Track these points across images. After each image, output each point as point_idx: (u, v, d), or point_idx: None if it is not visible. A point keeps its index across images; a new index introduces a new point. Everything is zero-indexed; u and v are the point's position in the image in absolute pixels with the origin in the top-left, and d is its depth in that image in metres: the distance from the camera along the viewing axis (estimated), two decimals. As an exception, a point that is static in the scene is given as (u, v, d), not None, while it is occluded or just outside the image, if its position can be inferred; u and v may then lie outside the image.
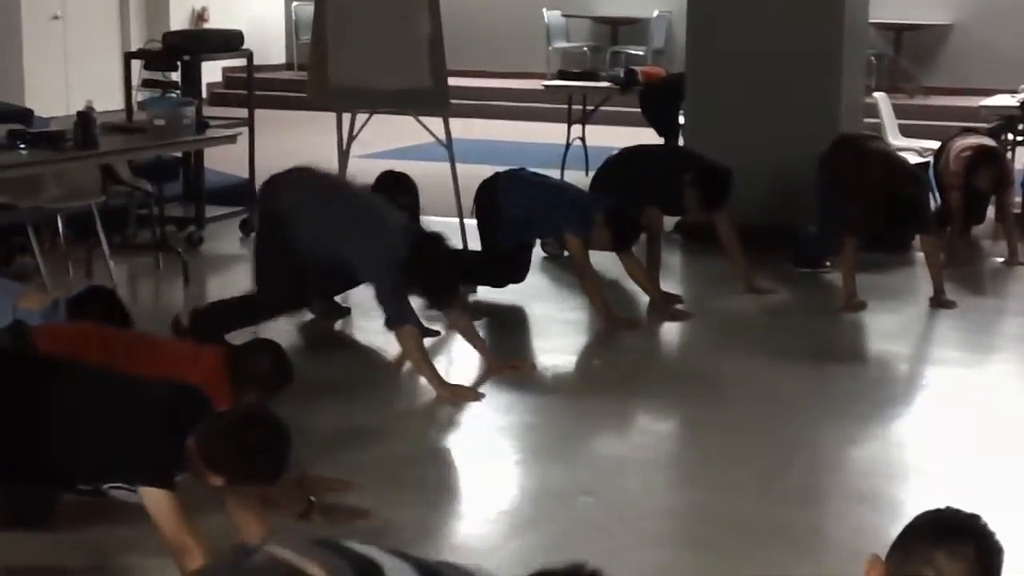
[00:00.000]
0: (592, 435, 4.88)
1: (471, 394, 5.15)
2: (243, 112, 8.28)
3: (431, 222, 6.14)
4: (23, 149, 6.31)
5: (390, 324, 5.14)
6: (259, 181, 8.31)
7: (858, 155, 6.82)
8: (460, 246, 6.68)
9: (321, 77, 8.34)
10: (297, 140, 11.36)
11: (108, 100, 8.53)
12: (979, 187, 7.53)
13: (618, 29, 14.69)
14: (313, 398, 4.84)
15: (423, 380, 5.22)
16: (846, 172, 6.70)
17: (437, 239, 5.21)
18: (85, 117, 6.41)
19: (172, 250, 7.18)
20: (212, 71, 12.51)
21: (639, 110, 9.80)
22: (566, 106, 10.37)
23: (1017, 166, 8.40)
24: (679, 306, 6.47)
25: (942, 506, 2.18)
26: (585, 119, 10.28)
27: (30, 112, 8.14)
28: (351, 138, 8.52)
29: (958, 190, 7.52)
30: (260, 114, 8.56)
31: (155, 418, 3.39)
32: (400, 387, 5.36)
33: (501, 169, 6.63)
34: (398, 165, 6.92)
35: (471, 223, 6.78)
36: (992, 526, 2.16)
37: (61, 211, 6.69)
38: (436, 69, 8.60)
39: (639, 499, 4.29)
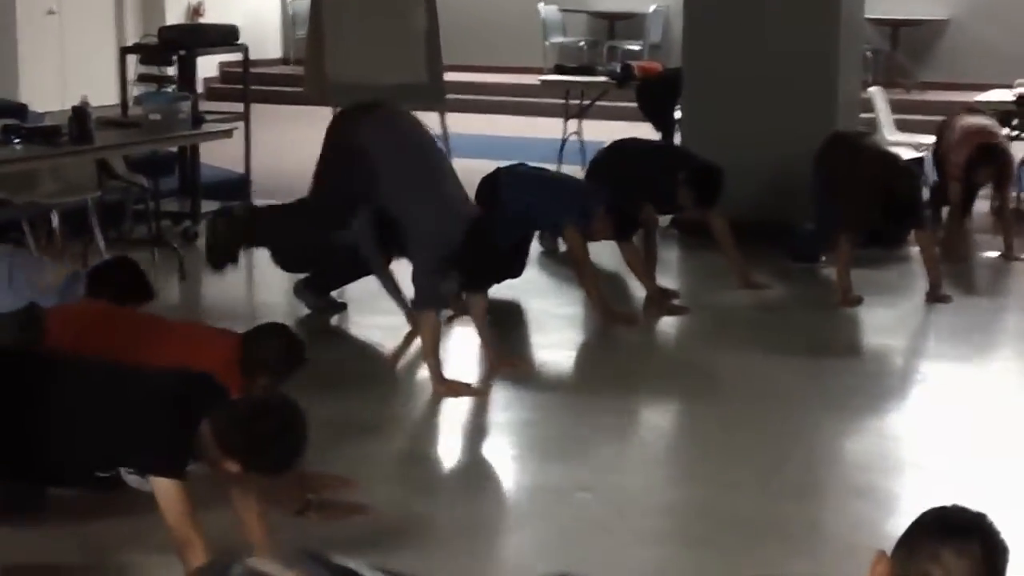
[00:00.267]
0: (590, 432, 4.88)
1: (467, 390, 5.15)
2: (239, 107, 8.26)
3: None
4: (18, 144, 6.30)
5: (416, 305, 5.16)
6: (255, 176, 8.36)
7: (853, 152, 6.82)
8: None
9: (317, 72, 8.35)
10: (293, 135, 11.34)
11: (104, 95, 8.51)
12: (978, 183, 7.52)
13: (615, 24, 14.67)
14: (309, 393, 4.81)
15: (420, 376, 5.21)
16: (841, 169, 6.70)
17: (488, 227, 5.23)
18: (80, 112, 6.40)
19: (168, 245, 7.17)
20: (208, 66, 12.49)
21: (636, 105, 9.80)
22: (563, 101, 10.37)
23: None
24: (675, 301, 6.47)
25: (946, 503, 2.17)
26: (582, 114, 10.28)
27: (25, 107, 8.13)
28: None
29: (958, 182, 7.47)
30: (256, 108, 8.54)
31: (164, 407, 3.37)
32: (397, 383, 5.35)
33: (502, 164, 6.61)
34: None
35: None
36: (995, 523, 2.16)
37: (56, 206, 6.67)
38: (432, 64, 8.61)
39: (637, 496, 4.29)
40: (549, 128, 10.72)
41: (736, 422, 4.92)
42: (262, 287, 6.94)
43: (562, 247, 7.30)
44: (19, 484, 3.77)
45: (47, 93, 10.59)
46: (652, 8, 14.23)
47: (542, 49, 14.32)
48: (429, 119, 8.32)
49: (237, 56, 8.82)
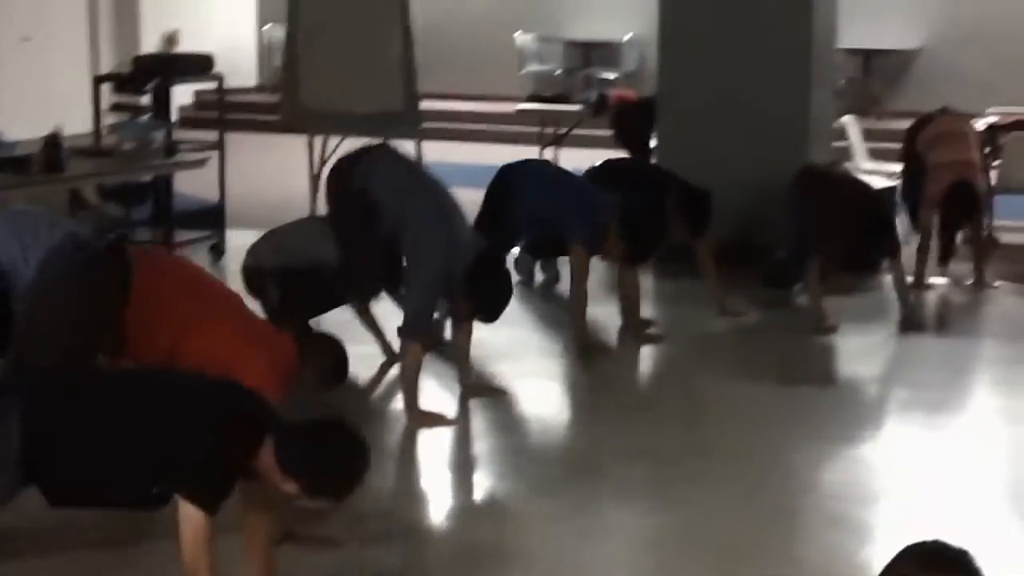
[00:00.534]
0: (565, 460, 4.87)
1: (442, 420, 5.13)
2: (215, 135, 8.25)
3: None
4: (-11, 173, 6.27)
5: (403, 332, 5.09)
6: (230, 204, 8.33)
7: (827, 181, 6.86)
8: None
9: (293, 100, 8.34)
10: (269, 163, 11.34)
11: (78, 123, 8.48)
12: (955, 225, 7.44)
13: (591, 52, 14.74)
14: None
15: (395, 406, 5.19)
16: (816, 197, 6.73)
17: (500, 256, 5.22)
18: (52, 141, 6.38)
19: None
20: (184, 93, 12.48)
21: (612, 133, 9.82)
22: (539, 129, 10.39)
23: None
24: (651, 330, 6.47)
25: (923, 536, 2.17)
26: (558, 142, 10.30)
27: (-3, 136, 8.09)
28: (323, 161, 8.51)
29: (933, 212, 7.47)
30: (232, 137, 8.53)
31: (223, 438, 3.32)
32: (374, 416, 5.32)
33: (477, 192, 6.59)
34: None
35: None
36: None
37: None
38: (408, 92, 8.61)
39: (614, 524, 4.28)
40: (525, 156, 10.69)
41: (711, 450, 4.92)
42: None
43: (539, 276, 7.31)
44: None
45: (21, 121, 10.55)
46: (627, 37, 14.30)
47: (518, 77, 14.36)
48: (405, 147, 8.34)
49: (213, 84, 8.82)
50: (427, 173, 5.58)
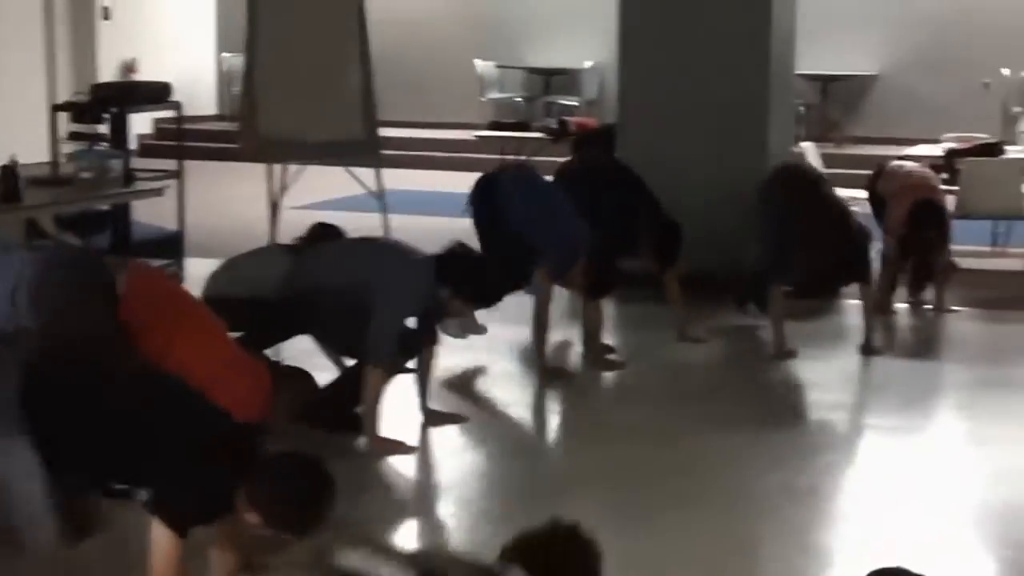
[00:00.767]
0: (527, 485, 4.84)
1: (401, 448, 5.10)
2: (174, 163, 8.19)
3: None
4: (-56, 203, 6.20)
5: (369, 358, 5.06)
6: (189, 233, 8.27)
7: (812, 191, 6.77)
8: None
9: (252, 128, 8.30)
10: (229, 191, 11.28)
11: (35, 152, 8.40)
12: (924, 246, 7.44)
13: (551, 80, 14.79)
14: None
15: (359, 441, 5.14)
16: (803, 205, 6.64)
17: (465, 249, 5.25)
18: (8, 170, 6.32)
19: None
20: (143, 122, 12.41)
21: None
22: (499, 156, 10.39)
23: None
24: (612, 356, 6.46)
25: (887, 563, 2.17)
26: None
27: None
28: (283, 189, 8.47)
29: (896, 237, 7.49)
30: (191, 165, 8.48)
31: (212, 469, 3.33)
32: (333, 442, 5.26)
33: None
34: (330, 216, 6.86)
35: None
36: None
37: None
38: (368, 120, 8.59)
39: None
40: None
41: (672, 477, 4.90)
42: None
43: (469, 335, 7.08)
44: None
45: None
46: (588, 64, 14.35)
47: (479, 105, 14.38)
48: (365, 175, 8.32)
49: (171, 112, 8.76)
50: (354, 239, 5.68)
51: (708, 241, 7.51)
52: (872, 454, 5.34)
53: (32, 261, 4.23)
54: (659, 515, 4.53)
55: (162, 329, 4.15)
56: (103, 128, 8.12)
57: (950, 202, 8.09)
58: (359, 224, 7.80)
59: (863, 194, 8.11)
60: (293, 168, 8.50)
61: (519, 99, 14.67)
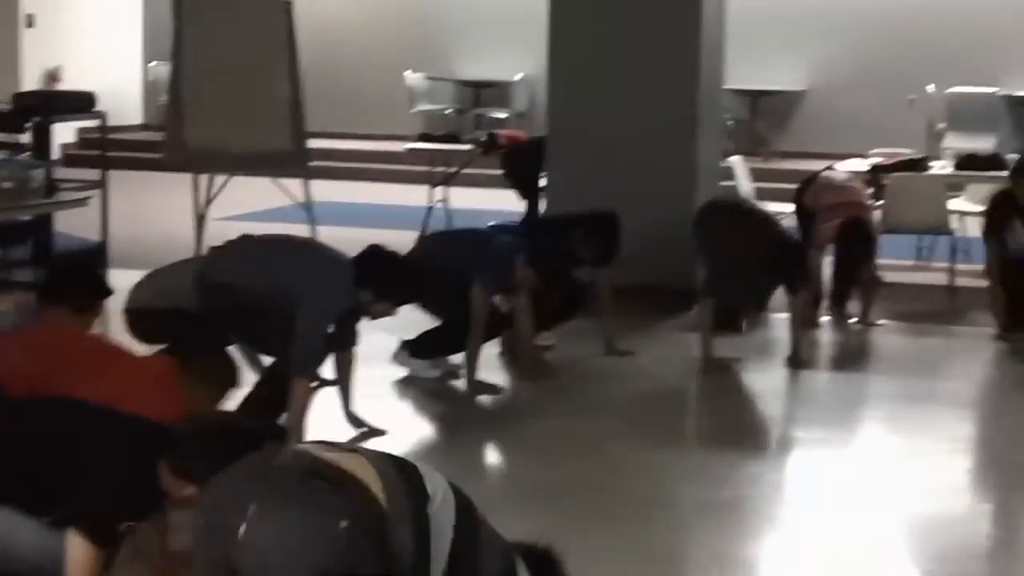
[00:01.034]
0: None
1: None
2: (97, 173, 8.07)
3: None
4: None
5: (296, 368, 4.99)
6: (113, 243, 8.15)
7: (728, 214, 6.87)
8: None
9: (178, 138, 8.20)
10: (154, 202, 11.14)
11: (-46, 161, 8.24)
12: (852, 261, 7.51)
13: (481, 92, 14.78)
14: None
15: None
16: (718, 231, 6.72)
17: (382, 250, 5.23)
18: (-75, 179, 6.18)
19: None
20: (66, 131, 12.23)
21: (502, 172, 9.83)
22: (428, 168, 10.37)
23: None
24: (546, 344, 6.53)
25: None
26: (448, 181, 10.28)
27: None
28: (208, 200, 8.38)
29: (822, 251, 7.55)
30: (116, 175, 8.35)
31: (123, 465, 3.29)
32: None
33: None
34: (257, 228, 6.79)
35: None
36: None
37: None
38: (296, 131, 8.53)
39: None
40: (416, 195, 10.69)
41: (596, 489, 4.88)
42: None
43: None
44: None
45: None
46: (518, 77, 14.36)
47: (409, 116, 14.34)
48: (293, 187, 8.25)
49: (95, 122, 8.64)
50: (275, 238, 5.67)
51: (640, 254, 7.52)
52: (798, 466, 5.36)
53: None
54: (578, 528, 4.51)
55: (60, 382, 4.05)
56: (25, 137, 7.99)
57: (875, 216, 8.18)
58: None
59: (790, 207, 8.18)
60: (220, 179, 8.41)
61: (449, 111, 14.65)
